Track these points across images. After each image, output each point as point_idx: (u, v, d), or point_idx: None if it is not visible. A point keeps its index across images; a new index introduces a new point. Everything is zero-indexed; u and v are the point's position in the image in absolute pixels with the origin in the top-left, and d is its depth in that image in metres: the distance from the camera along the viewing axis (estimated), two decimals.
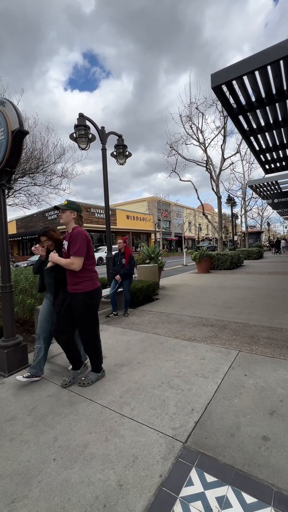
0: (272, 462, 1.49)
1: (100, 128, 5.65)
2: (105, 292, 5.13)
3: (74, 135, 5.25)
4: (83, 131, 5.20)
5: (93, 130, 5.47)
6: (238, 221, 28.17)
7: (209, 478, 1.40)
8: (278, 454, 1.54)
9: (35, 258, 19.57)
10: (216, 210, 16.15)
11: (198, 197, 14.96)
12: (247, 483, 1.36)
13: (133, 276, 5.06)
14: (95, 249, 24.98)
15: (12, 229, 34.50)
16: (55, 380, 2.56)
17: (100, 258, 20.75)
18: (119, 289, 4.94)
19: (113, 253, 5.22)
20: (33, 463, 1.56)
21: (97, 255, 21.32)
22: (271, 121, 5.19)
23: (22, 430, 1.86)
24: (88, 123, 5.31)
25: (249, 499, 1.28)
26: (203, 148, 13.80)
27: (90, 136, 5.30)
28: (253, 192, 17.05)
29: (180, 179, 15.37)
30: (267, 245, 37.20)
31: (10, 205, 13.86)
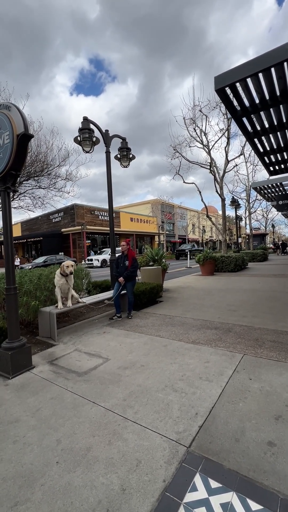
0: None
1: (104, 131, 5.70)
2: (109, 294, 5.13)
3: (79, 138, 5.30)
4: (87, 134, 5.24)
5: (97, 133, 5.52)
6: (242, 223, 28.04)
7: (214, 484, 1.38)
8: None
9: (39, 260, 19.69)
10: (220, 212, 16.09)
11: (202, 199, 14.95)
12: (253, 490, 1.34)
13: (137, 278, 5.05)
14: (98, 251, 25.11)
15: (17, 232, 34.88)
16: (59, 382, 2.56)
17: (104, 261, 20.79)
18: (123, 292, 4.93)
19: (117, 255, 5.22)
20: (36, 466, 1.56)
21: (101, 257, 21.39)
22: (275, 123, 5.17)
23: (25, 433, 1.86)
24: (92, 126, 5.36)
25: (255, 506, 1.25)
26: (207, 150, 13.81)
27: (94, 139, 5.34)
28: (257, 194, 16.95)
29: (184, 182, 15.40)
30: (272, 247, 37.07)
31: (15, 207, 14.02)
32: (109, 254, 19.47)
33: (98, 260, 21.05)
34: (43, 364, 3.01)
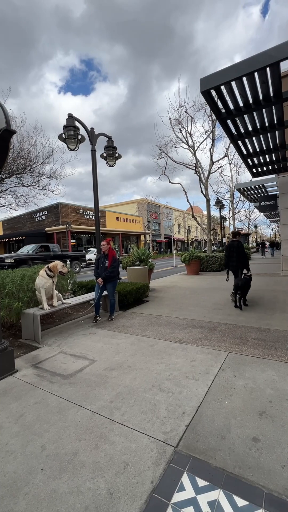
0: (263, 463, 1.50)
1: (89, 129, 5.61)
2: (91, 295, 5.05)
3: (63, 135, 5.19)
4: (72, 131, 5.14)
5: (82, 131, 5.42)
6: (227, 223, 28.66)
7: (201, 482, 1.39)
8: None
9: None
10: (205, 212, 16.37)
11: (187, 200, 15.13)
12: (239, 486, 1.36)
13: (118, 279, 4.93)
14: (84, 251, 24.75)
15: None
16: (43, 386, 2.49)
17: (89, 260, 20.54)
18: (105, 293, 4.83)
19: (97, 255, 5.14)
20: (20, 474, 1.50)
21: (86, 256, 21.11)
22: (258, 126, 5.31)
23: (8, 440, 1.79)
24: (77, 124, 5.26)
25: (241, 502, 1.28)
26: (192, 151, 13.98)
27: (79, 137, 5.25)
28: (241, 195, 17.40)
29: (170, 182, 15.50)
30: (256, 246, 37.94)
31: None
32: (94, 254, 19.26)
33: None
34: (26, 368, 2.91)
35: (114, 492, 1.36)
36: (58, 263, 4.13)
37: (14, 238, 28.45)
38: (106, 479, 1.44)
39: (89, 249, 24.44)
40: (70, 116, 5.17)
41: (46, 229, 27.29)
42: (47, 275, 3.98)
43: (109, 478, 1.44)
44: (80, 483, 1.42)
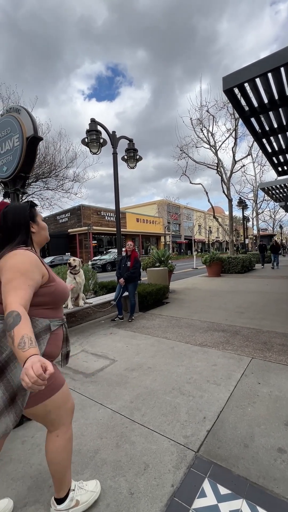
0: None
1: (111, 132, 5.72)
2: (112, 296, 5.13)
3: (86, 140, 5.34)
4: (94, 136, 5.28)
5: (104, 135, 5.55)
6: (250, 224, 27.72)
7: (223, 490, 1.36)
8: None
9: (46, 260, 19.87)
10: (227, 213, 15.97)
11: (208, 200, 14.85)
12: (263, 497, 1.31)
13: (139, 280, 4.96)
14: (105, 252, 25.24)
15: None
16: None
17: (107, 264, 20.90)
18: (125, 293, 4.89)
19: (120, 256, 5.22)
20: (45, 467, 1.56)
21: (106, 257, 21.53)
22: (284, 123, 5.09)
23: (33, 433, 1.87)
24: (99, 128, 5.39)
25: None
26: (214, 151, 13.73)
27: (101, 140, 5.38)
28: (265, 195, 16.75)
29: (191, 182, 15.33)
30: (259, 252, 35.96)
31: None
32: (113, 257, 19.50)
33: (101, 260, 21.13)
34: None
35: (135, 492, 1.37)
36: (70, 258, 4.28)
37: None
38: (127, 478, 1.45)
39: (109, 250, 24.82)
40: (93, 121, 5.31)
41: (69, 230, 28.18)
42: (70, 272, 4.13)
43: (130, 478, 1.46)
44: (101, 480, 1.45)
